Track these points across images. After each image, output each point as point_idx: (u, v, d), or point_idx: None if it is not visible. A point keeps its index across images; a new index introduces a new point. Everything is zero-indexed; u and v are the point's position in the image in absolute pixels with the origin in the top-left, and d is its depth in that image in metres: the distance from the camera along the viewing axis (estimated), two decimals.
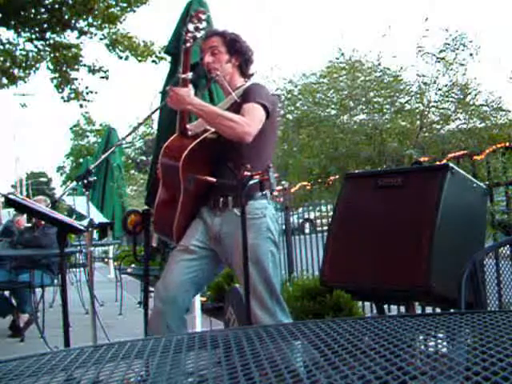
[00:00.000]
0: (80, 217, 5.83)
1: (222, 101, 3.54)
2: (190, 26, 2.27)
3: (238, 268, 2.21)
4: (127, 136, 4.31)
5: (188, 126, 2.41)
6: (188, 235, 2.36)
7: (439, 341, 0.92)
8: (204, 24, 2.30)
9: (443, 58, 4.11)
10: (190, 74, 2.30)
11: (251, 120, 2.23)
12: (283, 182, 5.09)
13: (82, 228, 2.55)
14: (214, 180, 2.23)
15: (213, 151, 2.34)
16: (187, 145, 2.28)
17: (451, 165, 2.19)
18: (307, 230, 6.03)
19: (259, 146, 2.28)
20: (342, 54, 4.56)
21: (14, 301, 4.97)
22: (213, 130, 2.35)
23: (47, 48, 9.54)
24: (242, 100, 2.32)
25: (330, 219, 3.07)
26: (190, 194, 2.28)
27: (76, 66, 9.81)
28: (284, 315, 2.27)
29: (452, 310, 2.02)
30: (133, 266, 7.35)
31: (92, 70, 9.82)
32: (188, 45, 2.28)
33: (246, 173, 1.97)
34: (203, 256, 2.35)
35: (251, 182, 1.98)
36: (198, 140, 2.31)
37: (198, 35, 2.30)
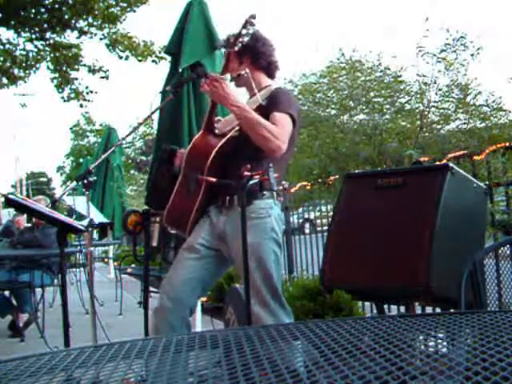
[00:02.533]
0: (80, 217, 5.83)
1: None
2: (244, 31, 2.25)
3: (240, 267, 2.22)
4: (127, 136, 4.30)
5: (216, 125, 2.40)
6: (194, 234, 2.38)
7: (439, 341, 0.92)
8: (253, 29, 2.28)
9: (444, 58, 4.11)
10: (228, 76, 2.29)
11: (284, 134, 2.23)
12: (283, 182, 5.08)
13: (82, 228, 2.55)
14: (214, 180, 2.23)
15: (236, 150, 2.33)
16: (214, 145, 2.29)
17: (451, 165, 2.19)
18: (307, 230, 6.03)
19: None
20: (343, 54, 4.56)
21: (14, 301, 4.97)
22: (237, 128, 2.35)
23: (47, 48, 9.55)
24: (270, 105, 2.30)
25: (330, 219, 3.07)
26: (206, 190, 2.30)
27: (76, 66, 9.82)
28: (286, 314, 2.27)
29: (452, 310, 2.02)
30: (133, 265, 7.35)
31: (92, 70, 9.83)
32: (236, 49, 2.27)
33: (245, 173, 1.97)
34: (208, 255, 2.36)
35: (251, 182, 1.98)
36: (224, 140, 2.31)
37: (246, 40, 2.29)
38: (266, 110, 2.28)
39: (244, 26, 2.26)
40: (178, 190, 2.39)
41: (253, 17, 2.27)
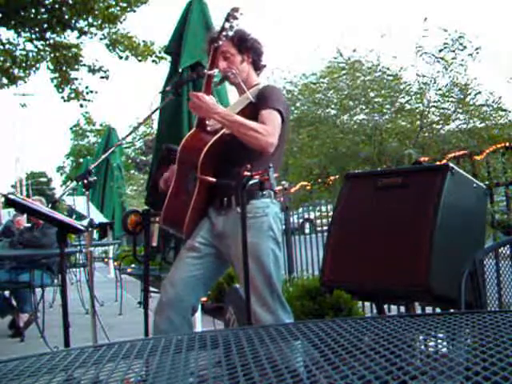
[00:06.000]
0: (80, 217, 5.84)
1: (224, 100, 3.53)
2: (227, 25, 2.24)
3: (239, 267, 2.23)
4: (127, 136, 4.31)
5: (207, 122, 2.41)
6: (194, 234, 2.39)
7: (439, 341, 0.92)
8: (237, 22, 2.28)
9: (443, 58, 4.11)
10: (216, 71, 2.29)
11: (273, 129, 2.23)
12: (283, 182, 5.08)
13: (82, 228, 2.55)
14: (214, 180, 2.23)
15: (229, 148, 2.33)
16: (206, 141, 2.28)
17: (451, 165, 2.19)
18: (307, 230, 6.03)
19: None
20: (341, 55, 4.56)
21: (13, 301, 4.97)
22: None
23: (47, 48, 9.55)
24: (258, 103, 2.32)
25: (330, 219, 3.07)
26: (202, 189, 2.29)
27: (76, 66, 9.82)
28: (285, 313, 2.28)
29: (452, 310, 2.02)
30: (133, 265, 7.34)
31: (92, 70, 9.83)
32: (220, 43, 2.27)
33: (245, 173, 1.97)
34: (208, 254, 2.37)
35: (251, 182, 1.98)
36: (217, 136, 2.31)
37: (230, 34, 2.29)
38: (255, 108, 2.30)
39: (227, 20, 2.26)
40: (173, 189, 2.38)
41: (235, 10, 2.26)
